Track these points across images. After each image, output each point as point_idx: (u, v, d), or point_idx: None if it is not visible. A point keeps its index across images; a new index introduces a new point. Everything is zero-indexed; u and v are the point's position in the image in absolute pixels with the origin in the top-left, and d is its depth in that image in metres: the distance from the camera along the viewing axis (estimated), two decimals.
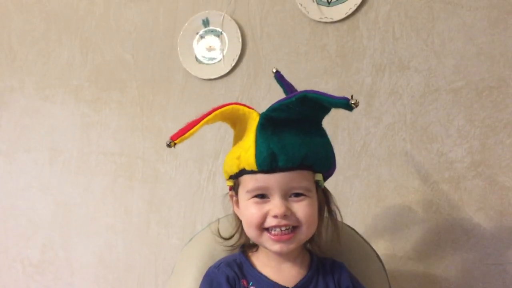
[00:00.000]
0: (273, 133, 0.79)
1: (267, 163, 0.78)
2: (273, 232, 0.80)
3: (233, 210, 0.90)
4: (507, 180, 1.15)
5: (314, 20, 1.31)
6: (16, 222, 1.56)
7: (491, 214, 1.16)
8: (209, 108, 1.41)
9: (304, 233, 0.82)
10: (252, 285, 0.83)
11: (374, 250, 1.00)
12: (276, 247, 0.81)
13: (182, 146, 1.41)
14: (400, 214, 1.22)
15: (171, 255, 1.41)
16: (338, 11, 1.28)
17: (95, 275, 1.48)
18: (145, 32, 1.48)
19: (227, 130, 1.37)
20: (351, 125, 1.27)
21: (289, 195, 0.81)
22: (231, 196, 0.89)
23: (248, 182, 0.81)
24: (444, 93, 1.20)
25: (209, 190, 1.39)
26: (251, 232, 0.83)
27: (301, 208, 0.80)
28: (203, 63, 1.41)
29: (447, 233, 1.19)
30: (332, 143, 1.26)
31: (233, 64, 1.37)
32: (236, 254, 0.89)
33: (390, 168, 1.24)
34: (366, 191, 1.25)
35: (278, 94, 1.32)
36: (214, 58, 1.40)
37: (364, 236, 1.04)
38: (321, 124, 0.86)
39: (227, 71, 1.38)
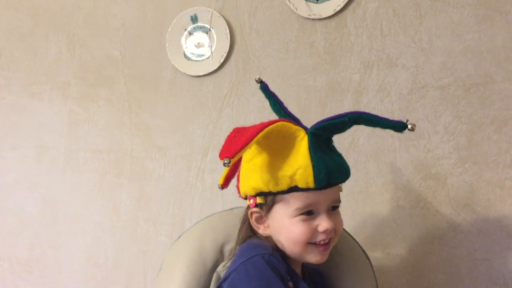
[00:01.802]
0: (323, 152, 0.81)
1: (325, 181, 0.80)
2: (319, 243, 0.83)
3: (244, 218, 0.90)
4: (493, 176, 1.16)
5: (303, 17, 1.31)
6: (3, 220, 1.55)
7: (478, 210, 1.17)
8: (198, 104, 1.41)
9: (334, 242, 0.86)
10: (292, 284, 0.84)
11: (360, 246, 1.00)
12: (319, 257, 0.84)
13: (170, 143, 1.42)
14: (388, 210, 1.23)
15: (159, 253, 1.40)
16: (326, 8, 1.28)
17: (83, 273, 1.47)
18: (133, 28, 1.48)
19: (216, 127, 1.37)
20: None
21: (329, 208, 0.84)
22: (253, 213, 0.87)
23: (298, 200, 0.81)
24: (432, 90, 1.21)
25: (198, 187, 1.39)
26: (297, 248, 0.83)
27: (338, 221, 0.85)
28: (192, 60, 1.40)
29: (434, 229, 1.20)
30: None
31: (221, 61, 1.37)
32: (268, 248, 0.85)
33: (378, 164, 1.24)
34: (354, 187, 1.26)
35: None
36: (202, 55, 1.39)
37: (352, 232, 1.04)
38: None
39: (216, 67, 1.37)
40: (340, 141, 1.27)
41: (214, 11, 1.37)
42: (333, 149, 0.86)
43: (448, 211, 1.19)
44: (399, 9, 1.24)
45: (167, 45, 1.42)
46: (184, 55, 1.41)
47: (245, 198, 0.88)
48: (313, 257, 0.84)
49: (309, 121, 1.28)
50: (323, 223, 0.81)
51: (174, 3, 1.43)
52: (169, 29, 1.41)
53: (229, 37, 1.36)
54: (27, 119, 1.55)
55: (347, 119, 0.80)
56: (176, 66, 1.41)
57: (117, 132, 1.47)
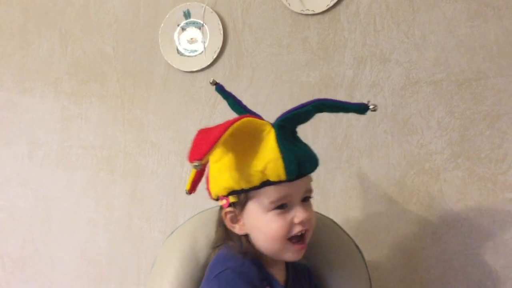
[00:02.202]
0: (291, 143, 0.81)
1: (296, 171, 0.80)
2: (296, 242, 0.82)
3: (219, 220, 0.89)
4: (486, 171, 1.16)
5: (296, 12, 1.30)
6: None
7: (470, 205, 1.17)
8: (191, 100, 1.41)
9: (309, 237, 0.85)
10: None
11: (354, 242, 1.00)
12: (296, 255, 0.84)
13: (164, 139, 1.41)
14: (381, 205, 1.23)
15: (153, 249, 1.40)
16: (319, 4, 1.28)
17: (77, 270, 1.46)
18: (126, 24, 1.47)
19: (209, 123, 1.36)
20: (332, 117, 1.27)
21: (302, 199, 0.84)
22: (227, 213, 0.86)
23: (271, 193, 0.81)
24: (425, 85, 1.21)
25: None
26: (275, 245, 0.83)
27: (311, 212, 0.85)
28: (185, 55, 1.40)
29: (427, 224, 1.20)
30: (314, 136, 1.28)
31: (214, 56, 1.36)
32: (246, 248, 0.85)
33: (371, 160, 1.24)
34: (348, 183, 1.26)
35: (260, 87, 1.33)
36: (195, 50, 1.39)
37: (346, 227, 1.04)
38: None
39: (209, 63, 1.37)
40: (333, 137, 1.27)
41: (207, 7, 1.37)
42: (299, 140, 0.86)
43: (441, 206, 1.19)
44: (392, 4, 1.24)
45: (160, 41, 1.41)
46: (177, 50, 1.40)
47: (217, 199, 0.87)
48: (290, 255, 0.84)
49: None
50: (298, 214, 0.81)
51: None
52: (162, 25, 1.41)
53: (222, 32, 1.35)
54: (19, 116, 1.55)
55: (311, 108, 0.81)
56: (169, 61, 1.40)
57: (110, 129, 1.47)
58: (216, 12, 1.36)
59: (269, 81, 1.33)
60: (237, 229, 0.86)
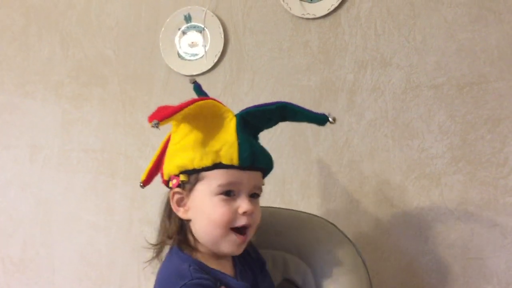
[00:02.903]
0: (250, 135, 0.84)
1: (249, 160, 0.82)
2: (239, 234, 0.83)
3: (168, 211, 0.88)
4: (487, 176, 1.16)
5: (297, 16, 1.30)
6: None
7: (471, 209, 1.17)
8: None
9: (251, 235, 0.86)
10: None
11: (354, 246, 1.00)
12: (235, 248, 0.84)
13: None
14: (382, 209, 1.23)
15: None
16: (320, 8, 1.28)
17: (77, 273, 1.46)
18: (127, 27, 1.47)
19: None
20: None
21: (249, 194, 0.84)
22: (174, 194, 0.86)
23: (221, 177, 0.82)
24: (426, 89, 1.21)
25: None
26: (215, 231, 0.82)
27: (257, 209, 0.86)
28: (185, 59, 1.40)
29: (428, 228, 1.20)
30: (315, 140, 1.28)
31: (215, 60, 1.36)
32: (185, 258, 0.85)
33: (372, 164, 1.24)
34: (349, 187, 1.26)
35: (261, 90, 1.33)
36: (196, 54, 1.39)
37: (347, 232, 1.04)
38: None
39: (210, 67, 1.37)
40: (334, 141, 1.27)
41: (208, 11, 1.37)
42: (258, 140, 0.90)
43: (442, 211, 1.19)
44: (393, 8, 1.24)
45: (160, 45, 1.41)
46: (178, 54, 1.40)
47: (167, 183, 0.88)
48: (229, 246, 0.83)
49: None
50: (243, 205, 0.82)
51: (167, 2, 1.42)
52: (163, 29, 1.41)
53: (223, 36, 1.35)
54: (20, 119, 1.55)
55: (274, 107, 0.84)
56: (169, 65, 1.40)
57: (110, 132, 1.47)
58: (217, 16, 1.37)
59: (269, 85, 1.33)
60: (181, 212, 0.85)
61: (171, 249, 0.88)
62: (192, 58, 1.39)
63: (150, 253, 1.32)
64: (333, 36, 1.29)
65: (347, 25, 1.27)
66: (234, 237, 0.83)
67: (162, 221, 0.90)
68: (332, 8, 1.27)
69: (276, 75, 1.33)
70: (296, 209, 1.15)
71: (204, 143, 0.83)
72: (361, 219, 1.25)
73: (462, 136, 1.18)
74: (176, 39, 1.41)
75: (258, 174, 0.86)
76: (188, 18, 1.39)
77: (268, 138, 1.30)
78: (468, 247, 1.17)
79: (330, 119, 0.83)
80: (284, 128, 1.30)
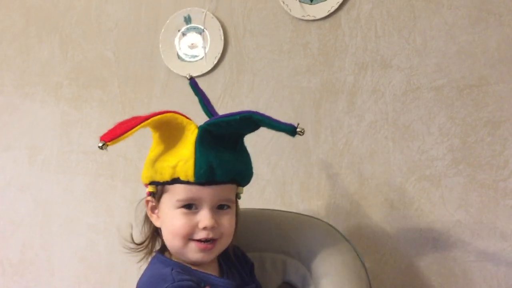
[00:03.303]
0: (211, 148, 0.82)
1: (206, 176, 0.81)
2: (199, 242, 0.82)
3: (145, 216, 0.91)
4: (487, 178, 1.16)
5: (297, 18, 1.30)
6: None
7: (471, 211, 1.17)
8: (192, 106, 1.40)
9: (224, 244, 0.86)
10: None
11: (354, 248, 1.00)
12: (199, 255, 0.83)
13: None
14: (381, 211, 1.23)
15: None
16: (321, 9, 1.28)
17: (76, 276, 1.46)
18: (127, 29, 1.47)
19: None
20: (333, 123, 1.27)
21: (215, 207, 0.84)
22: (148, 202, 0.88)
23: (180, 192, 0.82)
24: (426, 91, 1.21)
25: None
26: (175, 242, 0.83)
27: (226, 221, 0.85)
28: (185, 61, 1.40)
29: (428, 231, 1.19)
30: (315, 141, 1.28)
31: (215, 62, 1.36)
32: (167, 262, 0.86)
33: (372, 166, 1.24)
34: (349, 189, 1.26)
35: (261, 92, 1.33)
36: (196, 56, 1.39)
37: (346, 234, 1.04)
38: (243, 139, 0.90)
39: (209, 68, 1.37)
40: (334, 142, 1.27)
41: (207, 12, 1.37)
42: (235, 149, 0.86)
43: (442, 213, 1.19)
44: (393, 10, 1.24)
45: (160, 46, 1.41)
46: (178, 56, 1.40)
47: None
48: (194, 255, 0.83)
49: (304, 123, 1.28)
50: (203, 220, 0.82)
51: (167, 4, 1.42)
52: (163, 30, 1.41)
53: (222, 38, 1.35)
54: (19, 120, 1.54)
55: (238, 118, 0.81)
56: (169, 67, 1.40)
57: None
58: (216, 17, 1.36)
59: (269, 86, 1.33)
60: (154, 219, 0.88)
61: (154, 256, 0.90)
62: (192, 59, 1.39)
63: (150, 256, 1.32)
64: (333, 38, 1.28)
65: (347, 26, 1.27)
66: (195, 246, 0.83)
67: (142, 225, 0.92)
68: (332, 10, 1.27)
69: (276, 77, 1.33)
70: (296, 211, 1.15)
71: (164, 157, 0.83)
72: (361, 221, 1.25)
73: (462, 139, 1.18)
74: (176, 40, 1.41)
75: (224, 187, 0.84)
76: (188, 20, 1.39)
77: (268, 139, 1.31)
78: (468, 250, 1.16)
79: (298, 130, 0.80)
80: None
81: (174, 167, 0.81)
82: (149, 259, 0.91)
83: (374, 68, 1.25)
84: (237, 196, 0.90)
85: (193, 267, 0.85)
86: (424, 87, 1.21)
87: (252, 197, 1.30)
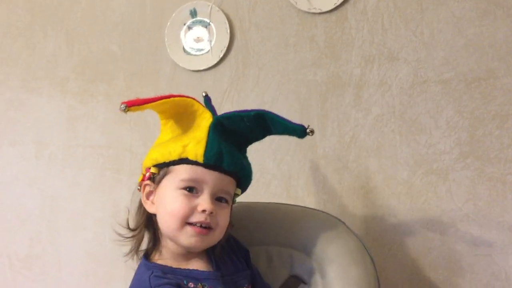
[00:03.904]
0: (222, 137, 0.84)
1: (215, 159, 0.83)
2: (195, 226, 0.82)
3: (139, 203, 0.90)
4: (495, 172, 1.15)
5: (303, 11, 1.30)
6: (2, 216, 1.54)
7: (479, 205, 1.16)
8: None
9: (216, 237, 0.86)
10: (191, 283, 0.83)
11: (361, 242, 1.00)
12: (192, 240, 0.83)
13: None
14: (388, 205, 1.22)
15: None
16: (327, 2, 1.27)
17: (84, 269, 1.46)
18: (132, 23, 1.46)
19: None
20: (340, 117, 1.27)
21: (215, 197, 0.85)
22: (145, 186, 0.88)
23: (185, 172, 0.83)
24: (433, 84, 1.20)
25: None
26: (172, 223, 0.83)
27: (222, 214, 0.86)
28: (191, 54, 1.39)
29: (435, 224, 1.19)
30: (321, 135, 1.28)
31: (221, 55, 1.36)
32: (148, 266, 0.86)
33: (379, 159, 1.24)
34: (355, 182, 1.25)
35: (266, 86, 1.33)
36: (202, 49, 1.38)
37: (353, 227, 1.04)
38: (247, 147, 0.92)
39: (215, 62, 1.36)
40: (340, 136, 1.26)
41: (213, 5, 1.36)
42: (241, 151, 0.89)
43: (449, 207, 1.18)
44: (400, 2, 1.23)
45: (166, 40, 1.40)
46: (184, 49, 1.40)
47: (143, 177, 0.90)
48: (187, 239, 0.83)
49: (310, 116, 1.28)
50: (203, 203, 0.82)
51: None
52: (168, 24, 1.40)
53: (228, 31, 1.35)
54: (26, 115, 1.55)
55: (252, 114, 0.83)
56: (175, 61, 1.40)
57: (116, 128, 1.46)
58: (222, 10, 1.36)
59: (275, 80, 1.32)
60: (148, 205, 0.88)
61: (140, 262, 0.90)
62: (197, 53, 1.39)
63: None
64: (339, 31, 1.28)
65: (354, 19, 1.26)
66: (191, 230, 0.82)
67: (135, 213, 0.92)
68: (338, 3, 1.26)
69: (282, 71, 1.32)
70: (303, 205, 1.15)
71: (176, 138, 0.86)
72: (368, 215, 1.24)
73: (470, 132, 1.17)
74: (182, 34, 1.40)
75: (227, 178, 0.86)
76: (193, 13, 1.39)
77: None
78: (476, 244, 1.16)
79: (308, 130, 0.82)
80: None
81: (185, 146, 0.82)
82: (135, 257, 0.91)
83: (381, 61, 1.24)
84: (234, 198, 0.91)
85: (175, 266, 0.85)
86: (432, 80, 1.20)
87: (258, 192, 1.30)
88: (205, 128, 0.83)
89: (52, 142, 1.51)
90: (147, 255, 0.89)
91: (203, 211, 0.82)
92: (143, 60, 1.45)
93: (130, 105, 0.78)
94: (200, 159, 0.82)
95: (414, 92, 1.22)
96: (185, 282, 0.82)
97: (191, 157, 0.82)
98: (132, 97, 1.42)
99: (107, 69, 1.48)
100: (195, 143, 0.82)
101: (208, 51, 1.37)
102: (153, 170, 0.87)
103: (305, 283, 0.99)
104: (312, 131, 0.82)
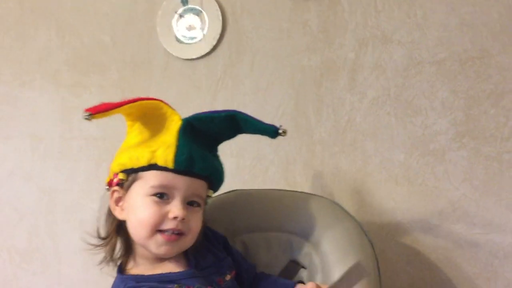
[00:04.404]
0: (193, 141, 0.81)
1: (185, 164, 0.80)
2: (165, 233, 0.80)
3: (108, 210, 0.88)
4: (491, 151, 1.15)
5: None
6: (0, 211, 1.54)
7: (476, 184, 1.17)
8: (192, 88, 1.40)
9: (188, 242, 0.84)
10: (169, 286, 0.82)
11: (360, 225, 1.00)
12: (162, 248, 0.81)
13: None
14: (386, 188, 1.23)
15: None
16: None
17: (84, 261, 1.46)
18: (123, 12, 1.45)
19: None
20: (335, 101, 1.26)
21: (187, 201, 0.82)
22: (114, 192, 0.86)
23: (155, 178, 0.80)
24: (428, 65, 1.20)
25: None
26: (142, 231, 0.81)
27: (194, 218, 0.83)
28: (184, 43, 1.38)
29: (433, 205, 1.20)
30: (317, 120, 1.27)
31: (214, 43, 1.34)
32: (122, 278, 0.85)
33: (376, 142, 1.24)
34: (352, 166, 1.25)
35: (261, 72, 1.32)
36: (194, 37, 1.37)
37: (351, 211, 1.04)
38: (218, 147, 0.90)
39: (209, 50, 1.35)
40: (336, 120, 1.26)
41: None
42: (212, 152, 0.87)
43: (446, 187, 1.19)
44: None
45: (158, 29, 1.39)
46: (176, 38, 1.39)
47: (110, 185, 0.87)
48: (157, 248, 0.81)
49: (305, 101, 1.28)
50: (174, 210, 0.80)
51: None
52: (160, 12, 1.39)
53: (221, 18, 1.34)
54: (20, 109, 1.53)
55: (223, 115, 0.81)
56: (168, 49, 1.39)
57: (111, 119, 1.41)
58: None
59: (270, 66, 1.32)
60: (118, 212, 0.85)
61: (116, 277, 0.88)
62: (190, 41, 1.37)
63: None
64: (332, 14, 1.27)
65: (347, 2, 1.26)
66: (159, 237, 0.81)
67: (104, 220, 0.90)
68: None
69: (276, 56, 1.32)
70: (300, 190, 1.15)
71: (144, 143, 0.83)
72: (366, 198, 1.25)
73: (465, 112, 1.17)
74: (174, 22, 1.39)
75: (198, 182, 0.83)
76: (184, 1, 1.37)
77: (269, 120, 1.29)
78: (473, 223, 1.17)
79: (280, 131, 0.81)
80: (285, 110, 1.29)
81: (154, 152, 0.80)
82: (111, 265, 0.90)
83: (375, 44, 1.24)
84: (206, 200, 0.88)
85: (149, 273, 0.83)
86: (426, 61, 1.20)
87: (255, 178, 1.30)
88: (174, 132, 0.81)
89: (47, 135, 1.50)
90: (121, 267, 0.88)
91: (175, 218, 0.80)
92: (135, 50, 1.43)
93: (95, 112, 0.75)
94: (170, 164, 0.80)
95: (409, 74, 1.21)
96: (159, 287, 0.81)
97: (160, 163, 0.80)
98: (125, 88, 1.43)
99: (100, 60, 1.46)
100: (164, 148, 0.80)
101: (201, 39, 1.36)
102: (121, 176, 0.84)
103: (304, 267, 0.99)
104: (284, 132, 0.81)
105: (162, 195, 0.81)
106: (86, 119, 0.74)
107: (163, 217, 0.80)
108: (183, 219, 0.80)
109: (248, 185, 1.25)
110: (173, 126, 0.82)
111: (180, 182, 0.81)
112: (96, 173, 1.46)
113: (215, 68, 1.36)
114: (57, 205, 1.49)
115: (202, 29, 1.36)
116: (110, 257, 0.88)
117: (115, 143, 1.43)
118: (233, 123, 0.83)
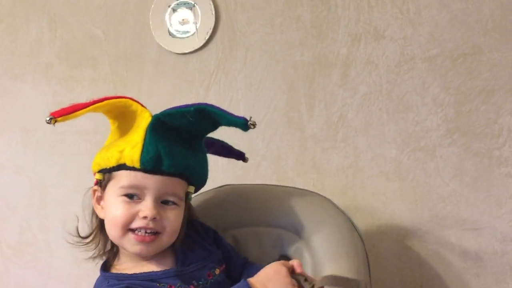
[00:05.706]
0: (163, 138, 0.79)
1: (152, 163, 0.78)
2: (137, 233, 0.80)
3: (93, 208, 0.88)
4: (482, 147, 1.16)
5: None
6: None
7: (466, 180, 1.18)
8: (184, 83, 1.40)
9: (165, 241, 0.83)
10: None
11: (350, 220, 1.01)
12: (137, 248, 0.81)
13: None
14: (377, 183, 1.23)
15: None
16: None
17: (75, 256, 1.46)
18: (116, 6, 1.44)
19: None
20: (327, 97, 1.27)
21: (161, 200, 0.81)
22: (94, 192, 0.86)
23: (124, 178, 0.80)
24: (420, 61, 1.20)
25: None
26: (114, 231, 0.81)
27: (170, 216, 0.82)
28: (177, 37, 1.38)
29: (424, 201, 1.20)
30: (309, 115, 1.27)
31: (207, 38, 1.34)
32: (105, 276, 0.85)
33: (367, 138, 1.24)
34: (344, 162, 1.26)
35: (253, 67, 1.32)
36: (187, 32, 1.37)
37: (342, 206, 1.04)
38: (203, 140, 0.87)
39: (201, 44, 1.35)
40: (328, 116, 1.26)
41: None
42: (193, 147, 0.84)
43: (437, 183, 1.19)
44: None
45: (150, 23, 1.39)
46: (169, 32, 1.38)
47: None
48: (131, 247, 0.81)
49: (297, 97, 1.28)
50: (144, 209, 0.79)
51: None
52: (153, 6, 1.38)
53: (213, 13, 1.33)
54: (11, 102, 1.52)
55: (192, 109, 0.78)
56: (160, 44, 1.38)
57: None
58: None
59: (262, 61, 1.32)
60: (99, 210, 0.86)
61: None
62: (183, 35, 1.37)
63: None
64: (325, 10, 1.27)
65: None
66: (131, 236, 0.80)
67: (89, 217, 0.90)
68: None
69: (269, 51, 1.32)
70: (292, 185, 1.15)
71: (115, 142, 0.82)
72: (357, 194, 1.25)
73: (456, 108, 1.18)
74: (166, 16, 1.38)
75: (171, 179, 0.81)
76: None
77: (262, 115, 1.30)
78: (463, 218, 1.17)
79: (249, 123, 0.77)
80: (277, 105, 1.29)
81: (121, 152, 0.79)
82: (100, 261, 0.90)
83: (368, 40, 1.24)
84: (187, 196, 0.86)
85: (130, 272, 0.83)
86: (418, 57, 1.20)
87: (247, 173, 1.30)
88: (142, 130, 0.79)
89: (38, 129, 1.49)
90: (105, 264, 0.88)
91: (144, 217, 0.79)
92: (128, 44, 1.43)
93: (58, 116, 0.74)
94: (137, 164, 0.78)
95: (401, 70, 1.22)
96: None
97: (128, 163, 0.79)
98: (117, 82, 1.43)
99: (92, 54, 1.46)
100: (130, 147, 0.78)
101: (194, 33, 1.36)
102: (97, 176, 0.84)
103: None
104: (253, 124, 0.77)
105: (132, 196, 0.80)
106: (48, 123, 0.73)
107: (133, 216, 0.80)
108: (154, 218, 0.79)
109: (240, 180, 1.25)
110: (143, 123, 0.80)
111: (150, 181, 0.79)
112: (88, 167, 1.45)
113: (208, 63, 1.36)
114: (48, 199, 1.49)
115: (195, 23, 1.36)
116: (97, 254, 0.88)
117: (106, 137, 1.43)
118: (205, 116, 0.79)
